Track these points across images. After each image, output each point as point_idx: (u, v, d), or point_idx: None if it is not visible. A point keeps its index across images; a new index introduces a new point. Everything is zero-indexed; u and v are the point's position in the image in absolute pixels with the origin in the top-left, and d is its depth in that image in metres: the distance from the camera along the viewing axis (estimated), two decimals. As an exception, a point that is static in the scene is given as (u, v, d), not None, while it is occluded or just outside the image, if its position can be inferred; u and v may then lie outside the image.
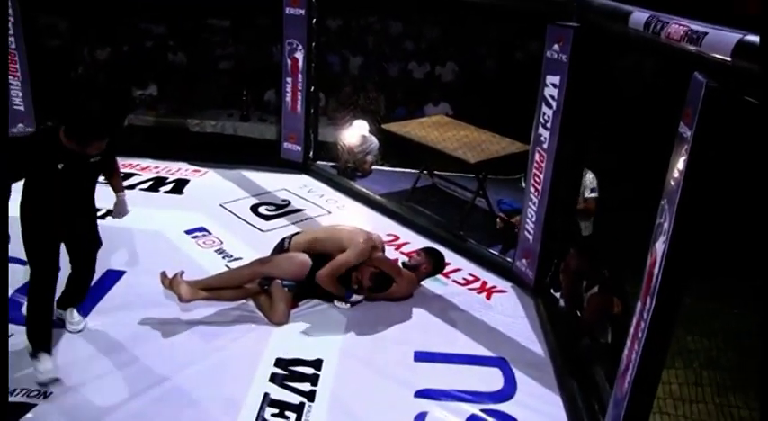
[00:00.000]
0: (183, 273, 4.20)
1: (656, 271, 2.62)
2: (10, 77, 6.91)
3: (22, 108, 7.05)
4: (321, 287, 4.39)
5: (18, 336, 3.87)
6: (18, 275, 4.48)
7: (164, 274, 4.21)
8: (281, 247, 4.62)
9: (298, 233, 4.79)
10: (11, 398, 3.39)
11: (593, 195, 5.05)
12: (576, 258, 4.63)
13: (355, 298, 4.49)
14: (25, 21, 6.84)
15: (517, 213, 5.38)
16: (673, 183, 2.52)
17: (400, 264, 4.72)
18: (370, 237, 4.54)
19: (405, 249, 5.35)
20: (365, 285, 4.45)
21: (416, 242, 5.40)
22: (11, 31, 6.75)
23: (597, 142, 4.93)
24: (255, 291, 4.37)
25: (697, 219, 2.47)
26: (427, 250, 4.87)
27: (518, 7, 5.07)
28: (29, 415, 3.34)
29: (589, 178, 5.06)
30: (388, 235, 5.51)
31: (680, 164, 2.46)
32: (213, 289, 4.29)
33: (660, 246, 2.59)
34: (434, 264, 4.77)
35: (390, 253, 5.00)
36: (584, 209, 5.05)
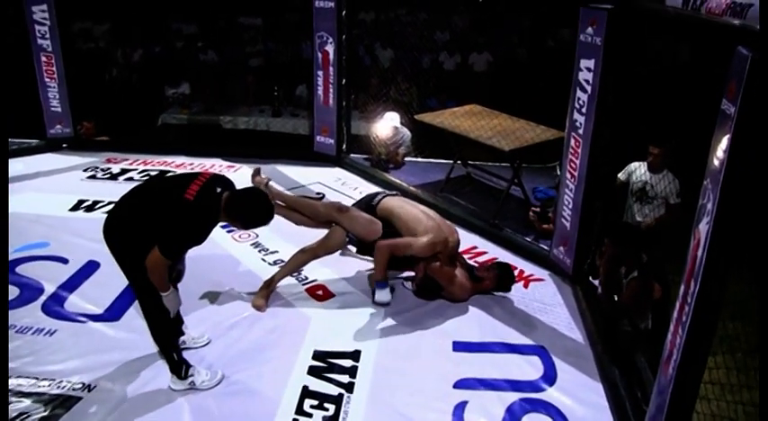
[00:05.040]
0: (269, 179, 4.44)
1: (699, 253, 2.55)
2: (47, 80, 7.06)
3: (59, 110, 7.17)
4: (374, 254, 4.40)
5: (62, 332, 3.96)
6: (59, 273, 4.58)
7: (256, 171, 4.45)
8: (369, 202, 4.60)
9: (392, 195, 4.74)
10: (57, 391, 3.48)
11: (679, 200, 4.94)
12: (613, 244, 4.56)
13: (383, 297, 4.42)
14: (61, 26, 6.99)
15: (552, 201, 5.32)
16: (716, 162, 2.44)
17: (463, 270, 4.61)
18: (438, 241, 4.34)
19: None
20: (414, 283, 4.50)
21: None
22: (47, 36, 6.90)
23: (673, 143, 4.86)
24: (324, 226, 4.48)
25: (742, 198, 2.39)
26: (498, 267, 4.67)
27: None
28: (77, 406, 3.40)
29: (675, 183, 4.92)
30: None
31: (723, 142, 2.38)
32: (288, 206, 4.51)
33: (704, 228, 2.52)
34: (498, 283, 4.59)
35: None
36: (666, 217, 4.95)
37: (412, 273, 4.65)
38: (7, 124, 3.52)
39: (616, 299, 4.54)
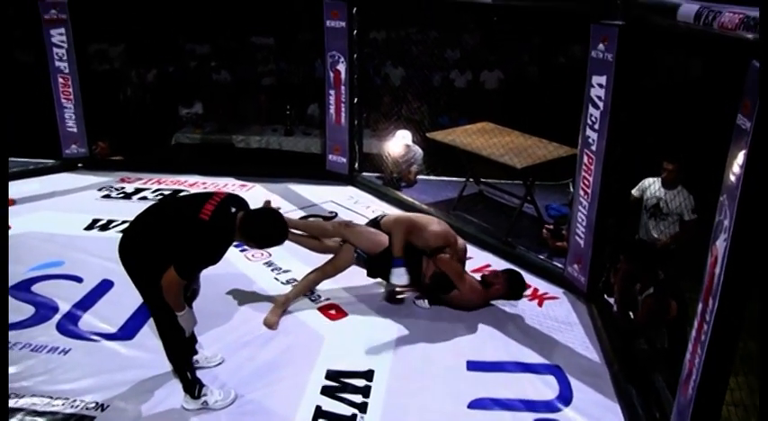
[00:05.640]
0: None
1: (717, 270, 2.52)
2: (64, 101, 7.13)
3: (75, 130, 7.23)
4: (383, 271, 4.42)
5: (76, 351, 3.96)
6: (73, 292, 4.60)
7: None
8: (374, 219, 4.74)
9: (391, 215, 4.90)
10: (70, 410, 3.48)
11: (694, 216, 4.92)
12: (628, 261, 4.53)
13: (398, 279, 4.38)
14: (78, 48, 7.07)
15: (565, 218, 5.29)
16: (732, 178, 2.42)
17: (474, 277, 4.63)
18: (448, 232, 4.50)
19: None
20: (425, 281, 4.47)
21: (467, 252, 5.31)
22: (65, 58, 6.99)
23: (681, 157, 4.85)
24: (335, 248, 4.53)
25: (760, 214, 2.36)
26: (506, 273, 4.68)
27: (560, 8, 5.00)
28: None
29: (689, 199, 4.92)
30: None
31: (739, 158, 2.36)
32: (298, 232, 4.57)
33: (721, 244, 2.49)
34: (508, 288, 4.57)
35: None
36: (682, 234, 4.94)
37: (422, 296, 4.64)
38: (7, 126, 3.53)
39: (632, 316, 4.50)
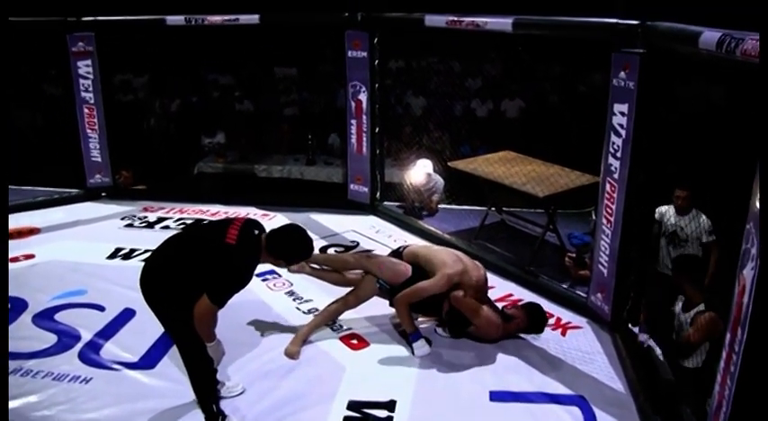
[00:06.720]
0: None
1: (745, 299, 2.47)
2: (89, 131, 7.26)
3: (99, 160, 7.35)
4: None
5: (97, 380, 3.97)
6: (96, 320, 4.62)
7: None
8: (396, 250, 4.74)
9: (413, 245, 4.90)
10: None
11: (712, 238, 4.88)
12: (676, 276, 4.53)
13: (421, 351, 4.35)
14: (103, 79, 7.22)
15: (588, 247, 5.24)
16: (758, 204, 2.39)
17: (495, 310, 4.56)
18: (453, 273, 4.33)
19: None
20: (444, 316, 4.46)
21: (489, 281, 5.26)
22: (90, 88, 7.14)
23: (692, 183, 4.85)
24: (357, 280, 4.51)
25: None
26: (528, 306, 4.63)
27: (581, 37, 5.01)
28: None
29: (704, 222, 4.90)
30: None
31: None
32: (319, 267, 4.64)
33: (749, 273, 2.45)
34: (529, 322, 4.51)
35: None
36: (713, 259, 4.91)
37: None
38: (7, 127, 3.60)
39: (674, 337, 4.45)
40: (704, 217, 4.97)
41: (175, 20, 6.81)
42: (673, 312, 4.56)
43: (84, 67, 7.06)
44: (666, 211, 5.03)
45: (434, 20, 5.74)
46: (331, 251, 5.98)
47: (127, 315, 4.68)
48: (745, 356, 2.45)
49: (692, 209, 4.92)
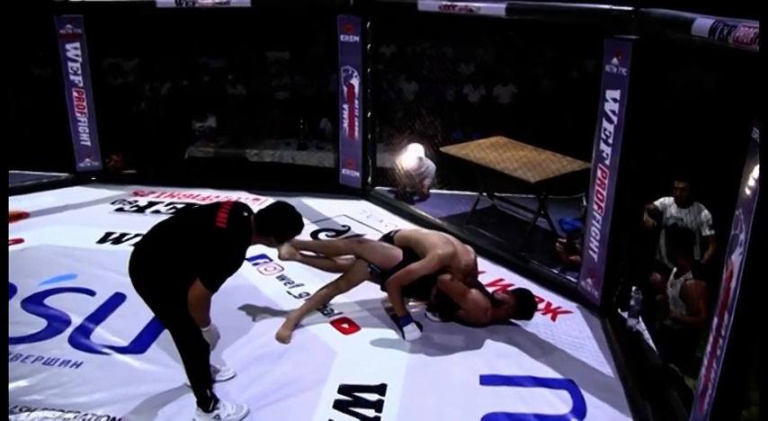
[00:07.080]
0: None
1: (732, 284, 2.49)
2: (78, 114, 7.21)
3: (88, 143, 7.31)
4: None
5: (88, 364, 3.96)
6: (86, 305, 4.61)
7: None
8: (387, 235, 4.74)
9: (404, 230, 4.91)
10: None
11: (711, 233, 4.90)
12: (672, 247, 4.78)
13: (412, 335, 4.38)
14: (92, 62, 7.17)
15: (579, 232, 5.27)
16: (748, 191, 2.40)
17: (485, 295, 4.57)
18: (444, 254, 4.33)
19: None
20: (432, 299, 4.48)
21: (480, 266, 5.28)
22: (79, 72, 7.08)
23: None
24: (348, 266, 4.51)
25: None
26: (517, 292, 4.63)
27: (574, 22, 4.99)
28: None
29: (705, 215, 4.91)
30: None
31: (755, 171, 2.34)
32: (310, 253, 4.62)
33: (737, 259, 2.47)
34: (518, 308, 4.53)
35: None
36: (711, 252, 4.97)
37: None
38: (7, 127, 3.57)
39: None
40: (706, 210, 4.96)
41: (165, 2, 6.74)
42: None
43: (73, 50, 6.99)
44: (668, 203, 5.04)
45: (427, 4, 5.71)
46: (322, 236, 5.98)
47: (117, 299, 4.68)
48: (731, 341, 2.48)
49: (693, 201, 4.92)
